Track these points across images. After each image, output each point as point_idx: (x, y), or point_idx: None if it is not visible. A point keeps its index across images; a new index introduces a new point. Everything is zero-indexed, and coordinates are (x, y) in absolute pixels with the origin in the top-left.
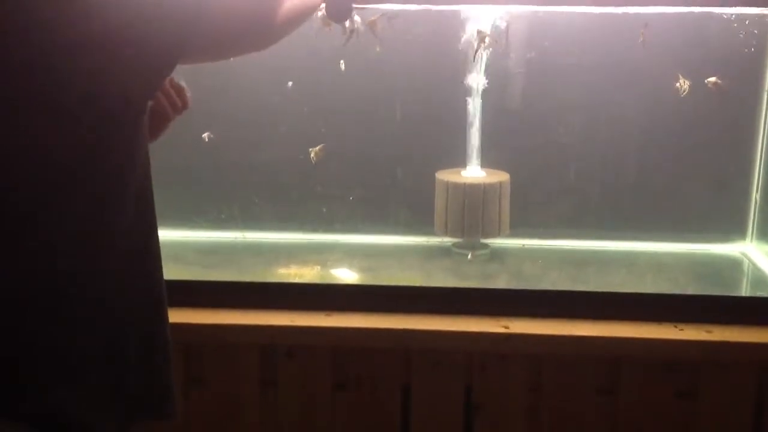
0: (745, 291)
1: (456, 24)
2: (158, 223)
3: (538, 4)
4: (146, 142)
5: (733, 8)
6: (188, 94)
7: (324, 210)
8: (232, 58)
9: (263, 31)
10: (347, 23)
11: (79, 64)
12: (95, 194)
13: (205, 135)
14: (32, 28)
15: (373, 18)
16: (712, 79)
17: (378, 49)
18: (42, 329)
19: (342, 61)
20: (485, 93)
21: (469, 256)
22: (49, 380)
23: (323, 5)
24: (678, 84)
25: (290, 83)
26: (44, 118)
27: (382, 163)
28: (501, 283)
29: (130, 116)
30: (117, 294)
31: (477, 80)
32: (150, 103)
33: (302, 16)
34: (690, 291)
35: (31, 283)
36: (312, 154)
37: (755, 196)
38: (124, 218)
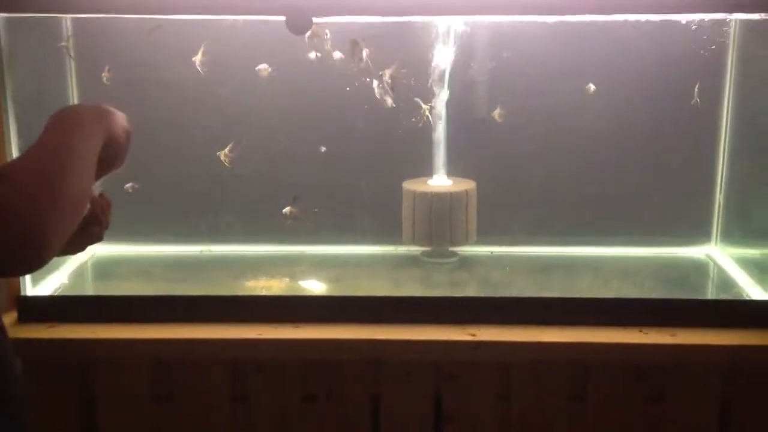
0: (710, 294)
1: (426, 35)
2: (126, 237)
3: (497, 14)
4: None
5: (694, 14)
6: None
7: (289, 222)
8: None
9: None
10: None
11: None
12: None
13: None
14: None
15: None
16: None
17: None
18: None
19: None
20: (450, 102)
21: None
22: None
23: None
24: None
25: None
26: None
27: (348, 173)
28: (469, 291)
29: None
30: None
31: (441, 90)
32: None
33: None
34: (654, 295)
35: None
36: (222, 157)
37: (719, 198)
38: None
